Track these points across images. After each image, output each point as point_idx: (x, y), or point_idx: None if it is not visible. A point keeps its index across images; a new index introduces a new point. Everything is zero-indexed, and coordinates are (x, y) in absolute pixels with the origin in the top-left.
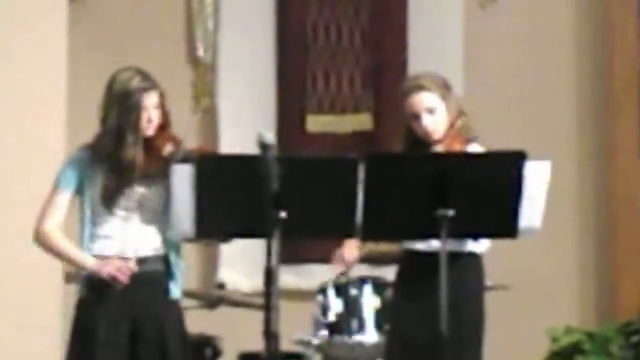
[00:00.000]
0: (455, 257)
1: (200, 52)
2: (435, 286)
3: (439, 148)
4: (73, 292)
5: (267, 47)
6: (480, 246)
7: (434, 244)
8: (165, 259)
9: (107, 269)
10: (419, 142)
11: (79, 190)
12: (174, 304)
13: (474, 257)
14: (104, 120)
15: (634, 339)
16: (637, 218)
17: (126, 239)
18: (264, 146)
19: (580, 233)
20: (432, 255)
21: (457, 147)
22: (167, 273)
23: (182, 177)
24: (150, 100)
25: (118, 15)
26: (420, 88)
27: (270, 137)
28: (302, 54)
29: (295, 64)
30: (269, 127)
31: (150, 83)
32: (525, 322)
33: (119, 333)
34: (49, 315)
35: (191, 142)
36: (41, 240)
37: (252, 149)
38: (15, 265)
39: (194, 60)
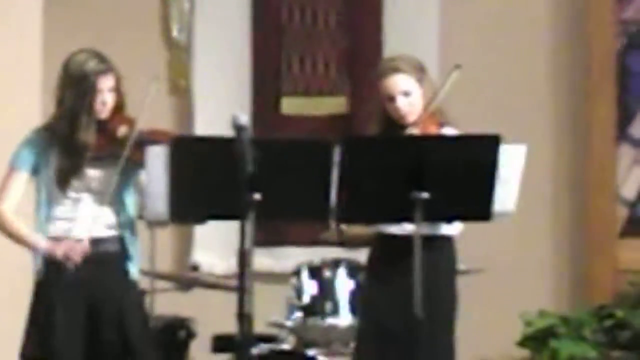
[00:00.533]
0: (428, 240)
1: (175, 33)
2: (408, 269)
3: (414, 131)
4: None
5: (243, 28)
6: (452, 229)
7: (408, 227)
8: (121, 240)
9: (61, 249)
10: (394, 124)
11: (35, 172)
12: (133, 285)
13: (447, 240)
14: (59, 102)
15: (608, 322)
16: (611, 202)
17: (80, 220)
18: (238, 128)
19: (554, 217)
20: (406, 239)
21: (432, 129)
22: (124, 254)
23: (157, 158)
24: (106, 83)
25: None
26: (395, 70)
27: (245, 119)
28: (277, 35)
29: (270, 45)
30: (244, 109)
31: (106, 65)
32: (499, 306)
33: (77, 314)
34: (17, 299)
35: (166, 123)
36: None
37: (227, 131)
38: (8, 260)
39: (169, 41)
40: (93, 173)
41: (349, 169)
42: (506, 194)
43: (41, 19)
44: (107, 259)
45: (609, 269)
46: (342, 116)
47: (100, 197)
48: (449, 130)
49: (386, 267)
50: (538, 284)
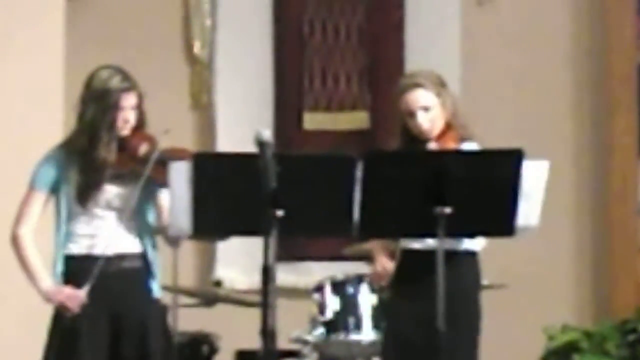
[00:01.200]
0: (452, 256)
1: (198, 50)
2: (432, 285)
3: (434, 146)
4: None
5: (264, 44)
6: (476, 244)
7: (431, 243)
8: (143, 257)
9: (58, 298)
10: (415, 139)
11: (55, 189)
12: (156, 301)
13: (470, 255)
14: (80, 117)
15: (631, 337)
16: (634, 217)
17: (101, 237)
18: (261, 144)
19: (577, 232)
20: (429, 254)
21: (451, 144)
22: (147, 272)
23: (180, 174)
24: (129, 101)
25: (115, 12)
26: (415, 86)
27: (268, 134)
28: (299, 51)
29: (292, 61)
30: (266, 124)
31: (129, 83)
32: (522, 320)
33: (99, 329)
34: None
35: (188, 140)
36: (14, 244)
37: (249, 147)
38: (9, 257)
39: (191, 57)
40: (114, 190)
41: (371, 184)
42: (529, 209)
43: (64, 35)
44: (129, 275)
45: (631, 283)
46: (363, 131)
47: (120, 214)
48: (469, 145)
49: (409, 282)
50: (561, 299)
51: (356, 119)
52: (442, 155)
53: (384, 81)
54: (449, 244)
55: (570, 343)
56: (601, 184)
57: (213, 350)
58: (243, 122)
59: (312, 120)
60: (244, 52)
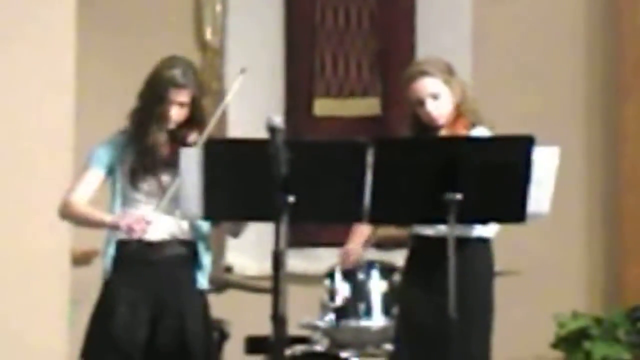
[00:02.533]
0: (464, 242)
1: (209, 36)
2: (444, 271)
3: (444, 133)
4: (81, 276)
5: (276, 31)
6: (488, 231)
7: (442, 229)
8: (191, 246)
9: (125, 221)
10: (425, 127)
11: (110, 172)
12: (199, 294)
13: (483, 242)
14: (139, 96)
15: None
16: None
17: (152, 223)
18: (272, 130)
19: (587, 218)
20: (441, 240)
21: (461, 131)
22: (195, 262)
23: (190, 159)
24: (178, 97)
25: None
26: (423, 74)
27: (279, 121)
28: (310, 37)
29: (303, 47)
30: (277, 111)
31: (184, 80)
32: (533, 307)
33: (139, 316)
34: (57, 300)
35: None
36: (64, 210)
37: (260, 133)
38: (22, 251)
39: (202, 44)
40: (165, 178)
41: (382, 170)
42: (540, 195)
43: (75, 22)
44: (175, 263)
45: None
46: (374, 118)
47: (170, 202)
48: (479, 131)
49: (421, 268)
50: (571, 286)
51: (367, 105)
52: (453, 141)
53: (395, 68)
54: (461, 230)
55: (580, 330)
56: (612, 170)
57: (224, 336)
58: (254, 108)
59: (323, 107)
60: (255, 39)
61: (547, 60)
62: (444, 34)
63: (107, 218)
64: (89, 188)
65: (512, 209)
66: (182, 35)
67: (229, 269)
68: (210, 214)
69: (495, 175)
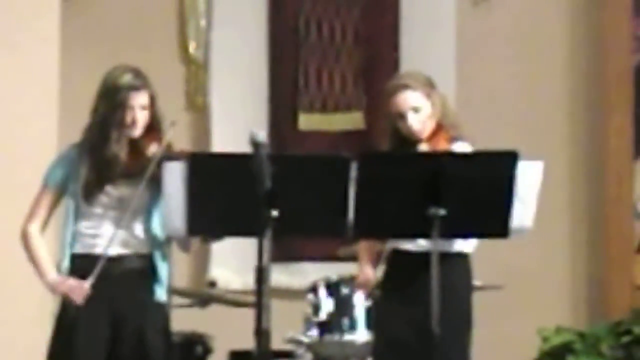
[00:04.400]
0: (443, 257)
1: (193, 50)
2: (423, 285)
3: (424, 147)
4: None
5: (260, 45)
6: (467, 246)
7: (422, 244)
8: (148, 259)
9: (61, 289)
10: (405, 141)
11: (64, 188)
12: (158, 306)
13: (462, 257)
14: (92, 113)
15: (625, 339)
16: (628, 218)
17: (105, 237)
18: (256, 144)
19: (571, 233)
20: (420, 255)
21: (442, 145)
22: (153, 274)
23: (174, 173)
24: (138, 100)
25: (110, 12)
26: (404, 87)
27: (263, 135)
28: (294, 51)
29: (287, 62)
30: (261, 125)
31: (140, 82)
32: (516, 322)
33: (99, 330)
34: (41, 312)
35: (183, 140)
36: (23, 239)
37: (244, 147)
38: (6, 260)
39: (186, 58)
40: (122, 190)
41: (366, 184)
42: (524, 210)
43: (59, 35)
44: (130, 277)
45: (626, 285)
46: (358, 132)
47: (125, 214)
48: (460, 146)
49: (401, 283)
50: (555, 300)
51: (351, 120)
52: (437, 156)
53: (379, 82)
54: (442, 245)
55: (564, 344)
56: (596, 185)
57: (207, 350)
58: (238, 122)
59: (307, 121)
60: (239, 53)
61: (531, 74)
62: (428, 49)
63: (49, 277)
64: (46, 212)
65: (496, 223)
66: (166, 49)
67: (212, 284)
68: (194, 228)
69: (479, 190)
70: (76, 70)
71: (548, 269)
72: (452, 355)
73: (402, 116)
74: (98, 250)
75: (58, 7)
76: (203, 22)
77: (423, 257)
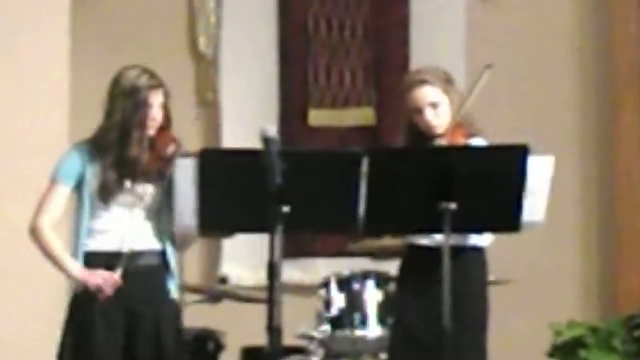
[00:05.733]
0: (459, 252)
1: (203, 47)
2: (439, 280)
3: (442, 142)
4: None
5: (270, 41)
6: (483, 240)
7: (438, 238)
8: (161, 255)
9: (93, 280)
10: (422, 136)
11: (77, 185)
12: (172, 302)
13: (478, 251)
14: (108, 115)
15: (637, 332)
16: (638, 212)
17: (122, 235)
18: (266, 140)
19: (583, 227)
20: (436, 250)
21: (460, 140)
22: (166, 271)
23: (185, 170)
24: (157, 99)
25: (120, 9)
26: (422, 82)
27: (274, 131)
28: (304, 47)
29: (297, 57)
30: (271, 121)
31: (157, 81)
32: (528, 316)
33: (115, 329)
34: (52, 310)
35: (193, 136)
36: (34, 235)
37: (254, 144)
38: (16, 259)
39: (196, 54)
40: (139, 188)
41: (377, 180)
42: (535, 204)
43: (69, 34)
44: (146, 273)
45: (637, 279)
46: (369, 127)
47: (144, 212)
48: (477, 141)
49: (416, 278)
50: (567, 294)
51: (361, 115)
52: (447, 151)
53: (389, 77)
54: (456, 239)
55: (576, 338)
56: (606, 179)
57: (219, 346)
58: (248, 118)
59: (318, 117)
60: (249, 49)
61: (540, 69)
62: (438, 44)
63: (74, 270)
64: (57, 208)
65: (507, 218)
66: (176, 46)
67: (224, 280)
68: (205, 225)
69: (490, 184)
70: (86, 67)
71: (560, 263)
72: (468, 350)
73: (419, 111)
74: (113, 247)
75: (68, 5)
76: (213, 19)
77: (438, 252)
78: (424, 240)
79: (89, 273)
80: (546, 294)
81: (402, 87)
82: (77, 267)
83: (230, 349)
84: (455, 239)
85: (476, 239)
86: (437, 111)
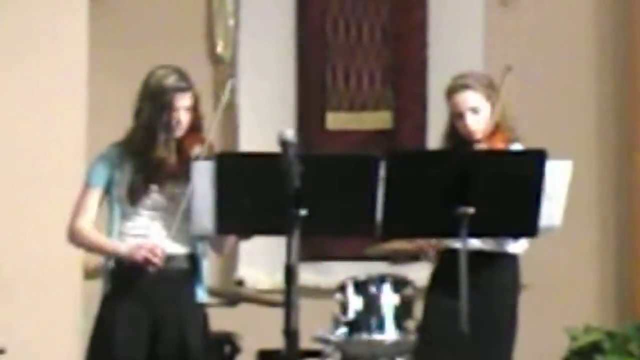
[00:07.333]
0: (493, 257)
1: (221, 50)
2: (472, 284)
3: (481, 147)
4: (94, 289)
5: (287, 44)
6: (518, 247)
7: (473, 242)
8: (191, 259)
9: (141, 253)
10: (462, 140)
11: (108, 188)
12: (199, 307)
13: (511, 257)
14: (136, 116)
15: None
16: None
17: (151, 237)
18: (284, 144)
19: (600, 232)
20: (471, 254)
21: (499, 146)
22: (195, 275)
23: (203, 173)
24: (183, 102)
25: (138, 12)
26: (465, 87)
27: (291, 134)
28: (322, 50)
29: (315, 61)
30: (288, 124)
31: (185, 84)
32: (545, 321)
33: (139, 330)
34: (69, 313)
35: (211, 139)
36: (73, 237)
37: (272, 147)
38: (34, 262)
39: (214, 57)
40: (167, 191)
41: (394, 183)
42: (552, 209)
43: (87, 35)
44: (176, 277)
45: None
46: (386, 131)
47: (171, 215)
48: (516, 147)
49: (449, 281)
50: (584, 299)
51: (379, 119)
52: (465, 155)
53: (407, 81)
54: (491, 245)
55: (593, 343)
56: (624, 184)
57: (235, 349)
58: (266, 122)
59: (335, 120)
60: (267, 52)
61: (559, 72)
62: (456, 47)
63: (122, 248)
64: (91, 208)
65: (525, 222)
66: (194, 49)
67: (240, 283)
68: (222, 227)
69: (507, 188)
70: (104, 70)
71: (577, 268)
72: (495, 355)
73: (460, 115)
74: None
75: (86, 8)
76: (231, 22)
77: (472, 256)
78: (458, 244)
79: (137, 246)
80: (563, 299)
81: (445, 90)
82: (122, 246)
83: (246, 352)
84: (490, 245)
85: (512, 246)
86: (478, 117)
